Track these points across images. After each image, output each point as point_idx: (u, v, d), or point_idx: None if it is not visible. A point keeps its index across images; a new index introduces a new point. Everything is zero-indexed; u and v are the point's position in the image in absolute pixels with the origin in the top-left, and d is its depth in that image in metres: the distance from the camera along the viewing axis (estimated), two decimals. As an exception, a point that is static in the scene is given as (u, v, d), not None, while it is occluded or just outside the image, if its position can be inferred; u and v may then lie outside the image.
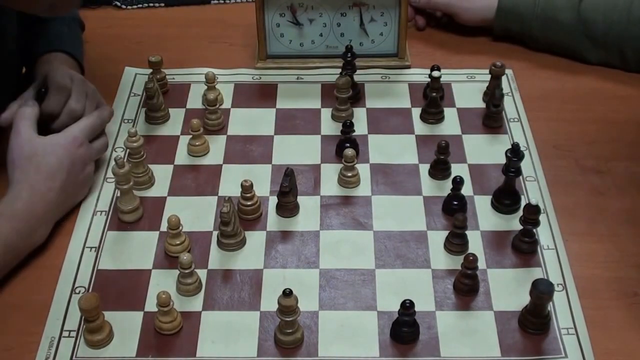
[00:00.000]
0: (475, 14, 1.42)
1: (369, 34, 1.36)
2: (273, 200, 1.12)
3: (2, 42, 1.18)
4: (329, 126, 1.26)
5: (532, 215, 1.03)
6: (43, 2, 1.05)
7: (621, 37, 1.32)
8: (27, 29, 1.25)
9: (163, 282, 1.02)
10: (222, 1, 1.58)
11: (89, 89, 1.18)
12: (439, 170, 1.17)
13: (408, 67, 1.38)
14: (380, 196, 1.14)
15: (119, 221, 1.10)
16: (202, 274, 1.03)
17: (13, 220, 1.01)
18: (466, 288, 1.00)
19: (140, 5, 1.56)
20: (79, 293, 1.01)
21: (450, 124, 1.27)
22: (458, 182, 1.09)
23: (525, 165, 1.14)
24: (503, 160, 1.10)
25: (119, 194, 1.11)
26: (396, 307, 0.94)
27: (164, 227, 1.08)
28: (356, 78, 1.30)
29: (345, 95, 1.25)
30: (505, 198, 1.11)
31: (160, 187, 1.16)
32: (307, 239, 1.08)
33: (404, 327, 0.95)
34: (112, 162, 1.12)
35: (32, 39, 1.25)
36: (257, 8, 1.32)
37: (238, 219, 1.06)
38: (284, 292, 0.91)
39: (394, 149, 1.22)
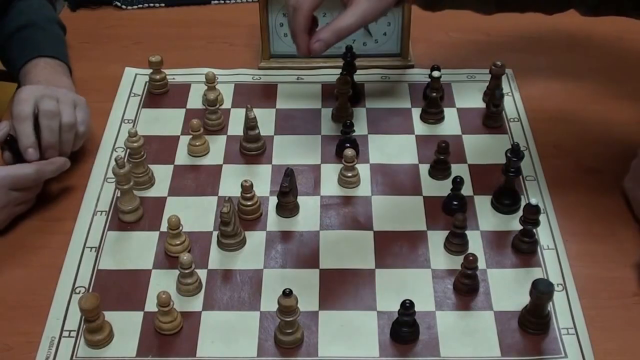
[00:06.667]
0: None
1: (372, 34, 1.36)
2: (273, 200, 1.12)
3: None
4: (329, 126, 1.26)
5: (532, 215, 1.03)
6: None
7: None
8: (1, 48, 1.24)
9: (163, 282, 1.02)
10: (222, 1, 1.58)
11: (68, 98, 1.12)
12: (439, 170, 1.17)
13: (412, 66, 1.38)
14: (380, 196, 1.14)
15: (119, 221, 1.10)
16: (202, 274, 1.03)
17: None
18: (466, 288, 1.00)
19: (140, 5, 1.56)
20: (79, 293, 1.01)
21: (450, 124, 1.27)
22: (458, 182, 1.09)
23: (525, 165, 1.14)
24: (503, 160, 1.10)
25: (119, 194, 1.11)
26: (396, 307, 0.94)
27: (164, 227, 1.08)
28: (356, 78, 1.30)
29: (346, 95, 1.25)
30: (505, 198, 1.11)
31: (160, 187, 1.16)
32: (307, 239, 1.08)
33: (404, 327, 0.95)
34: (113, 162, 1.12)
35: (8, 56, 1.24)
36: (261, 8, 1.32)
37: (238, 219, 1.06)
38: (284, 292, 0.91)
39: (394, 149, 1.22)
